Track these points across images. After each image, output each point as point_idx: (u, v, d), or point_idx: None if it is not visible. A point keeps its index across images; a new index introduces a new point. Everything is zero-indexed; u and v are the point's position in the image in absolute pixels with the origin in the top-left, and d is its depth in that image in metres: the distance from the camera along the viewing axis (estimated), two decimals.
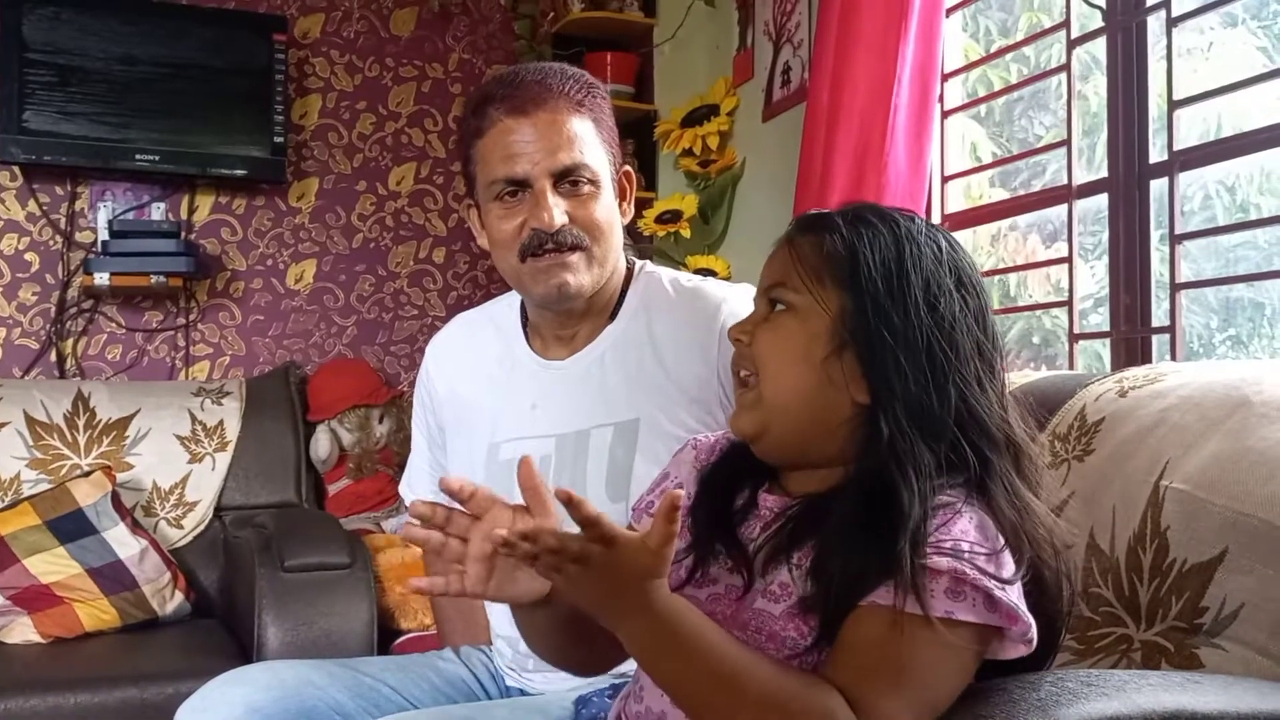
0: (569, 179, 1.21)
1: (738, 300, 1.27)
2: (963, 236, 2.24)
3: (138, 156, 2.84)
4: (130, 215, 2.93)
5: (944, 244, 0.88)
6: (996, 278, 2.27)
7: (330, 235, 3.20)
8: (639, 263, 1.35)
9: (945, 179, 2.24)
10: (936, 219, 2.24)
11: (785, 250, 0.90)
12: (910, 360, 0.81)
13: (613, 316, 1.30)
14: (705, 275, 2.92)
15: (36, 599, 2.26)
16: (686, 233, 2.98)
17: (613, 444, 1.23)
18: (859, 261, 0.84)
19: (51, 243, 2.92)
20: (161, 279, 2.81)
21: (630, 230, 3.39)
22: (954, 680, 0.76)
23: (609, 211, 1.25)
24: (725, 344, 1.18)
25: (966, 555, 0.76)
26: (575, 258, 1.23)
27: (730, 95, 2.95)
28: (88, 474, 2.42)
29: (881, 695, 0.73)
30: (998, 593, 0.76)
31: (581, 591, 0.74)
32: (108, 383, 2.78)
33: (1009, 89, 2.18)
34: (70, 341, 2.92)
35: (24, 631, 2.24)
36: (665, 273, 1.35)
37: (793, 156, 2.40)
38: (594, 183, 1.23)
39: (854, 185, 2.09)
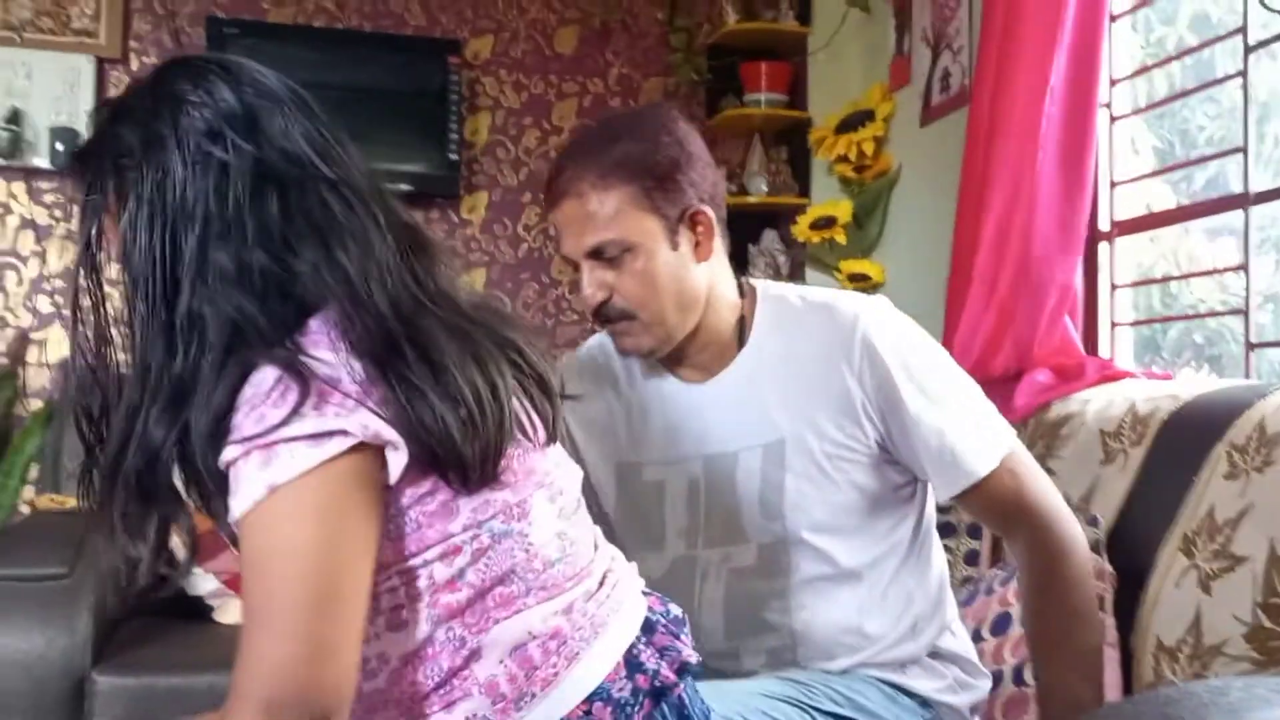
0: (601, 254, 1.20)
1: (871, 313, 1.25)
2: (1134, 241, 2.22)
3: None
4: None
5: None
6: (1172, 284, 2.24)
7: (498, 245, 3.37)
8: (758, 284, 1.32)
9: (1114, 184, 2.22)
10: (1105, 225, 2.22)
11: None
12: None
13: (742, 341, 1.28)
14: (860, 280, 2.98)
15: None
16: (841, 238, 3.03)
17: (763, 465, 1.24)
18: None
19: None
20: None
21: (784, 237, 3.43)
22: (328, 537, 0.77)
23: (653, 273, 1.20)
24: (866, 358, 1.21)
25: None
26: (623, 325, 1.24)
27: (886, 101, 2.98)
28: None
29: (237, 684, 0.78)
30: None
31: None
32: None
33: (1180, 95, 2.15)
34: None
35: (236, 613, 2.47)
36: (789, 289, 1.32)
37: (952, 161, 2.42)
38: (630, 250, 1.19)
39: (1013, 191, 2.10)
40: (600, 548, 0.98)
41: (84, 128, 2.99)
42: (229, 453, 0.78)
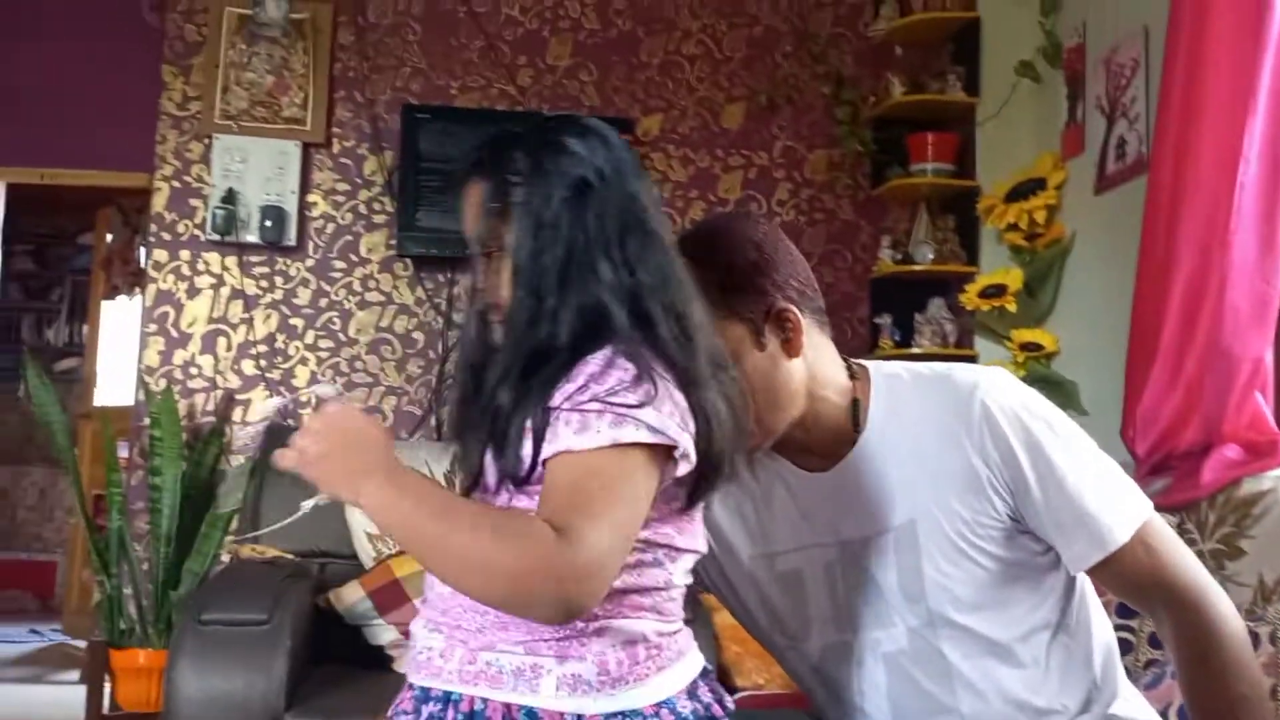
0: None
1: (989, 383, 1.22)
2: None
3: None
4: None
5: None
6: None
7: None
8: (871, 366, 1.31)
9: None
10: None
11: None
12: None
13: (858, 426, 1.26)
14: (1032, 349, 2.93)
15: None
16: (1012, 307, 2.99)
17: (896, 549, 1.23)
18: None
19: (434, 323, 3.37)
20: None
21: (951, 305, 3.39)
22: (636, 494, 0.96)
23: (744, 376, 1.17)
24: (986, 430, 1.18)
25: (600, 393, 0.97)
26: None
27: (1058, 169, 2.94)
28: None
29: (575, 519, 0.92)
30: (627, 414, 0.95)
31: (324, 466, 0.96)
32: None
33: None
34: (447, 409, 3.34)
35: None
36: (901, 366, 1.31)
37: (1127, 230, 2.37)
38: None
39: (1200, 262, 2.05)
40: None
41: (290, 206, 3.28)
42: (589, 405, 0.97)
